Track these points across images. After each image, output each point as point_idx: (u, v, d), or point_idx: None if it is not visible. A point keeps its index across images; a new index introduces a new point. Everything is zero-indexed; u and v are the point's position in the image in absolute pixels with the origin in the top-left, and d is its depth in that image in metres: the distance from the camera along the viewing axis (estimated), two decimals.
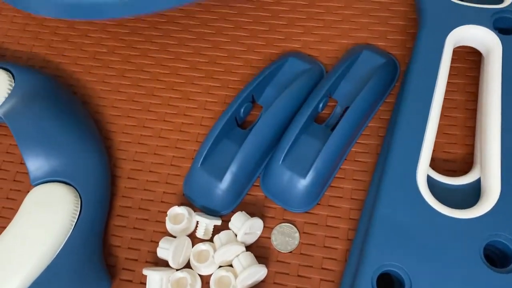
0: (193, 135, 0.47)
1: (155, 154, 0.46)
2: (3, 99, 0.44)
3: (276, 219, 0.42)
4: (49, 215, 0.39)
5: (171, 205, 0.44)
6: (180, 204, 0.44)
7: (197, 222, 0.42)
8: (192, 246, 0.41)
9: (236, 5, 0.53)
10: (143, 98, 0.49)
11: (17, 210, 0.43)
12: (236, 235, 0.41)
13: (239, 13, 0.53)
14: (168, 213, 0.42)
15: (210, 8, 0.54)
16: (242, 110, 0.44)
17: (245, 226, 0.39)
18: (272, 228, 0.42)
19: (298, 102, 0.44)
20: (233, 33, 0.52)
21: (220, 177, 0.41)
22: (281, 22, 0.52)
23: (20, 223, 0.38)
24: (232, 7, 0.53)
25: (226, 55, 0.51)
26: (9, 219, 0.44)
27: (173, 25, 0.53)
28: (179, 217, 0.42)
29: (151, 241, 0.42)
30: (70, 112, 0.45)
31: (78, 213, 0.40)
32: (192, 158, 0.46)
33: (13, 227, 0.38)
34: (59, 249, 0.38)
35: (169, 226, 0.42)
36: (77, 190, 0.41)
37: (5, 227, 0.43)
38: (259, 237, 0.42)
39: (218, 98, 0.49)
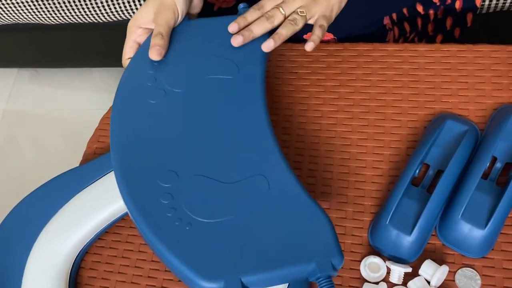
0: (367, 191, 0.55)
1: (337, 209, 0.54)
2: None
3: (456, 264, 0.49)
4: None
5: (359, 254, 0.51)
6: (368, 253, 0.51)
7: (389, 269, 0.50)
8: None
9: (384, 73, 0.62)
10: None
11: None
12: (426, 281, 0.48)
13: (388, 80, 0.61)
14: (363, 261, 0.50)
15: (361, 76, 0.62)
16: (417, 171, 0.52)
17: (439, 273, 0.47)
18: (454, 272, 0.49)
19: (464, 163, 0.52)
20: (386, 98, 0.60)
21: (409, 231, 0.49)
22: (428, 86, 0.60)
23: None
24: (380, 74, 0.62)
25: (383, 118, 0.59)
26: None
27: (331, 94, 0.62)
28: (372, 265, 0.50)
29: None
30: None
31: None
32: (371, 213, 0.53)
33: None
34: None
35: (365, 272, 0.50)
36: None
37: None
38: (443, 280, 0.49)
39: (383, 157, 0.56)
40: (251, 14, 0.56)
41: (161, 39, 0.54)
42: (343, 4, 0.59)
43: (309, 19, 0.58)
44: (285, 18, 0.56)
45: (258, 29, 0.55)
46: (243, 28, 0.56)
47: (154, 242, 0.43)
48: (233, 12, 0.62)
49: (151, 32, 0.57)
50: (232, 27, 0.55)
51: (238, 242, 0.42)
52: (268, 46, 0.55)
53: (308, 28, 0.69)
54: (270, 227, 0.43)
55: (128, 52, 0.57)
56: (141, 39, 0.58)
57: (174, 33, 0.57)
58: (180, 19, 0.57)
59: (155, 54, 0.54)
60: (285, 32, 0.55)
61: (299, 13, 0.56)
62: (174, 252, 0.41)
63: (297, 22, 0.56)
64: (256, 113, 0.49)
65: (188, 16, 0.59)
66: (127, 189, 0.46)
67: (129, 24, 0.58)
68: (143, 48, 0.56)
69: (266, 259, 0.41)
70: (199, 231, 0.43)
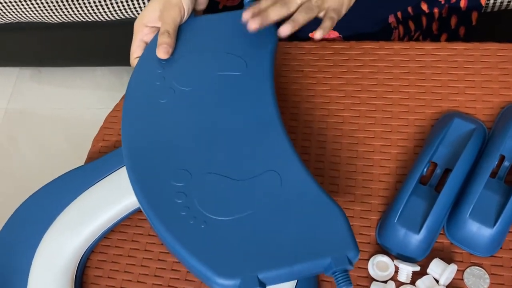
0: (374, 190, 0.55)
1: (344, 208, 0.54)
2: None
3: (464, 262, 0.49)
4: None
5: (367, 253, 0.51)
6: (375, 252, 0.51)
7: (397, 268, 0.50)
8: None
9: (391, 71, 0.61)
10: None
11: None
12: (435, 279, 0.48)
13: (395, 78, 0.61)
14: (371, 260, 0.50)
15: (367, 75, 0.62)
16: (425, 170, 0.52)
17: (448, 272, 0.47)
18: (462, 271, 0.49)
19: (472, 161, 0.52)
20: (393, 96, 0.60)
21: (417, 230, 0.48)
22: (435, 85, 0.59)
23: None
24: (387, 72, 0.61)
25: (390, 116, 0.58)
26: None
27: (336, 92, 0.61)
28: (380, 264, 0.50)
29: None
30: None
31: None
32: (378, 211, 0.53)
33: None
34: None
35: (373, 271, 0.49)
36: None
37: None
38: (452, 279, 0.49)
39: (390, 156, 0.56)
40: (265, 2, 0.55)
41: (167, 37, 0.54)
42: (352, 2, 0.59)
43: (322, 11, 0.57)
44: (299, 6, 0.56)
45: (274, 14, 0.54)
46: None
47: (170, 241, 0.43)
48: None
49: (157, 31, 0.56)
50: (246, 14, 0.54)
51: (253, 239, 0.42)
52: (285, 31, 0.54)
53: (313, 26, 0.69)
54: (284, 222, 0.43)
55: (136, 51, 0.57)
56: (148, 37, 0.57)
57: (180, 31, 0.57)
58: (186, 16, 0.57)
59: (162, 53, 0.54)
60: (301, 18, 0.54)
61: (313, 2, 0.56)
62: (190, 251, 0.41)
63: (312, 10, 0.55)
64: (266, 108, 0.49)
65: (194, 13, 0.59)
66: (141, 190, 0.46)
67: (136, 23, 0.58)
68: (151, 46, 0.56)
69: (282, 255, 0.41)
70: (214, 229, 0.43)
